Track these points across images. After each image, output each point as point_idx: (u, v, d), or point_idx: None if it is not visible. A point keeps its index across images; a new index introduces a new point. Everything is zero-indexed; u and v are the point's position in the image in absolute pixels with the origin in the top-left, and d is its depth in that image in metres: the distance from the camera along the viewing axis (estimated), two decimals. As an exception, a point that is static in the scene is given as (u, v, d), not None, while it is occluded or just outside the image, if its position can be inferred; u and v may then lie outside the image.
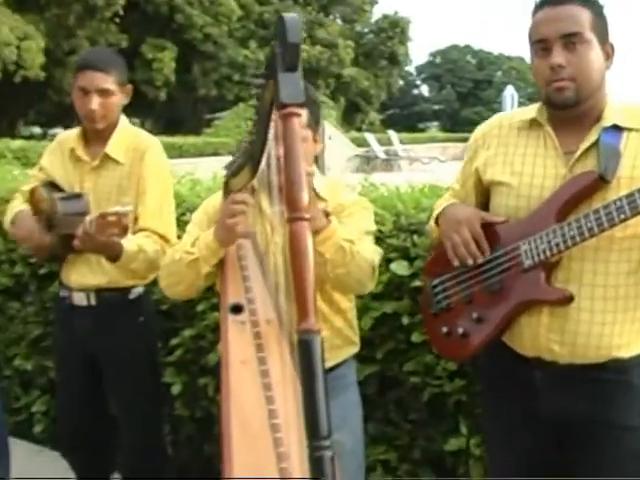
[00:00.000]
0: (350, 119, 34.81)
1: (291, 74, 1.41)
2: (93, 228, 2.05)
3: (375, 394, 2.75)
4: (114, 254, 2.21)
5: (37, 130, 35.53)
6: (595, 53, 1.70)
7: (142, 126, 37.08)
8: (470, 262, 1.77)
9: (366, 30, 34.09)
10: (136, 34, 28.06)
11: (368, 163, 21.94)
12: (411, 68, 64.45)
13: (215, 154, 19.44)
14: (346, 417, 2.11)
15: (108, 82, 2.36)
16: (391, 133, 24.27)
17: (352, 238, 1.90)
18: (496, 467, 2.01)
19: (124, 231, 2.01)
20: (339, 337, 2.10)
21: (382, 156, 22.29)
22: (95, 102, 2.35)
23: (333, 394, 2.05)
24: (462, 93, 60.89)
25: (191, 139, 22.45)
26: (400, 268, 2.54)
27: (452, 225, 1.82)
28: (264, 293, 1.89)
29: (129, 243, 2.23)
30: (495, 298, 1.77)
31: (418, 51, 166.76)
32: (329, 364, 2.05)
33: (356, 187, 3.15)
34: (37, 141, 18.10)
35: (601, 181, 1.64)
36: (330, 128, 21.43)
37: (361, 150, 22.57)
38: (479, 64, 63.28)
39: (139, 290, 2.47)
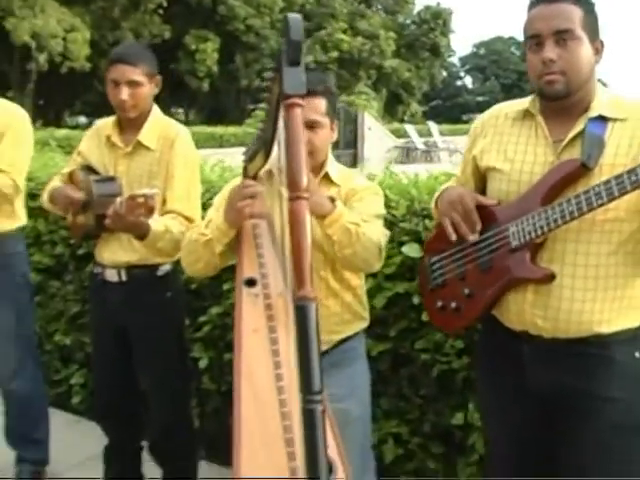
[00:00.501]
0: (392, 110, 34.79)
1: (294, 68, 1.56)
2: (123, 209, 2.23)
3: (388, 370, 2.90)
4: (142, 233, 2.39)
5: (83, 120, 36.14)
6: (585, 49, 1.80)
7: (186, 116, 37.46)
8: (471, 238, 1.90)
9: (408, 21, 33.96)
10: (179, 26, 28.40)
11: (407, 154, 21.95)
12: (455, 59, 64.05)
13: (255, 144, 19.55)
14: (354, 387, 2.26)
15: (136, 74, 2.53)
16: (431, 124, 24.23)
17: (358, 221, 2.03)
18: (491, 441, 2.15)
19: (150, 212, 2.19)
20: (349, 312, 2.24)
21: (422, 147, 22.29)
22: (125, 93, 2.53)
23: (342, 365, 2.24)
24: (506, 85, 60.28)
25: (232, 129, 22.66)
26: (412, 250, 2.68)
27: (447, 206, 1.96)
28: (276, 269, 2.04)
29: (156, 223, 2.40)
30: (485, 276, 1.90)
31: (462, 42, 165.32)
32: (340, 337, 2.24)
33: (378, 175, 3.29)
34: (82, 130, 18.57)
35: (583, 168, 1.76)
36: (370, 119, 21.51)
37: (401, 141, 22.58)
38: (523, 56, 62.36)
39: (167, 267, 2.64)
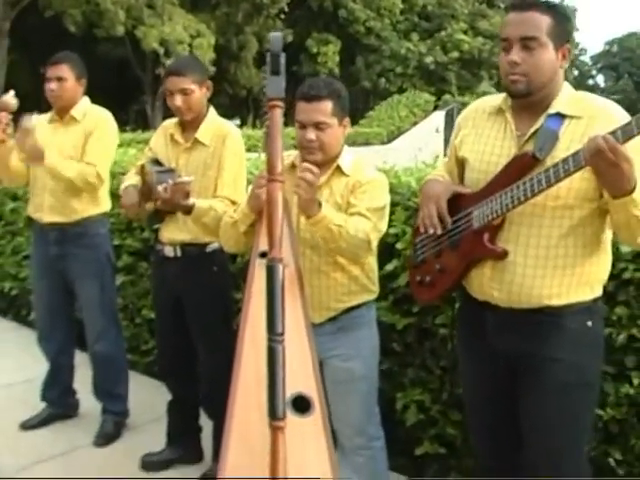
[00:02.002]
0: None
1: (275, 77, 1.96)
2: (169, 193, 2.69)
3: (415, 343, 3.22)
4: (187, 210, 2.83)
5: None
6: (548, 54, 2.03)
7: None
8: (431, 231, 2.20)
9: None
10: (302, 29, 29.23)
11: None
12: (586, 58, 61.87)
13: (366, 144, 19.93)
14: (359, 348, 2.60)
15: (186, 83, 2.98)
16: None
17: (342, 222, 2.34)
18: (467, 396, 2.45)
19: (186, 195, 2.63)
20: (356, 284, 2.58)
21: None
22: (179, 100, 2.99)
23: (349, 330, 2.61)
24: (640, 83, 57.73)
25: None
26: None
27: (425, 200, 2.25)
28: (287, 246, 2.41)
29: (202, 202, 2.85)
30: (454, 253, 2.20)
31: (593, 40, 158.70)
32: (346, 305, 2.59)
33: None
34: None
35: (534, 159, 2.01)
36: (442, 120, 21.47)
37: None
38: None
39: (214, 246, 3.06)
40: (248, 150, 3.62)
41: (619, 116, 1.98)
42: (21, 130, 3.30)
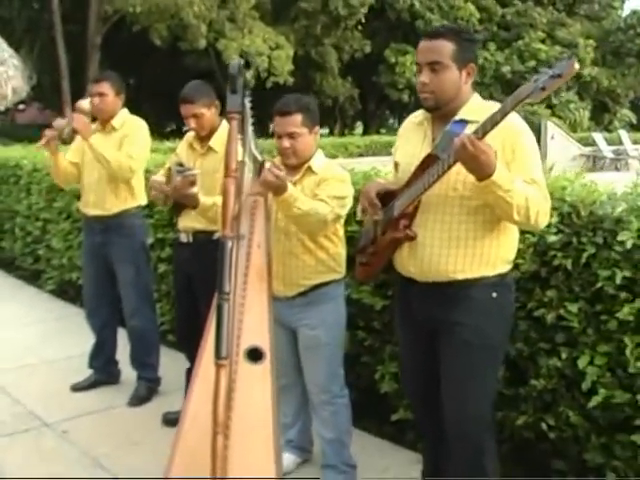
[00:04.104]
0: (598, 119, 33.76)
1: (233, 95, 2.51)
2: (179, 183, 3.27)
3: (392, 322, 3.68)
4: (194, 204, 3.38)
5: (304, 130, 38.32)
6: (451, 75, 2.47)
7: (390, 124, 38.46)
8: (368, 217, 2.70)
9: (614, 28, 32.80)
10: (380, 40, 29.67)
11: (594, 162, 21.57)
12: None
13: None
14: (324, 319, 3.11)
15: (196, 108, 3.58)
16: (622, 133, 23.52)
17: (304, 200, 2.84)
18: (400, 358, 2.93)
19: (192, 184, 3.20)
20: (322, 265, 3.09)
21: (609, 155, 21.77)
22: (192, 123, 3.61)
23: (316, 304, 3.14)
24: None
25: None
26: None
27: (361, 195, 2.73)
28: (261, 229, 2.93)
29: (207, 199, 3.42)
30: (383, 238, 2.69)
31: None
32: (313, 282, 3.11)
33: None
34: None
35: (436, 158, 2.43)
36: (553, 128, 21.41)
37: (587, 149, 22.20)
38: None
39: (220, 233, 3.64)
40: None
41: (507, 118, 2.31)
42: (78, 109, 4.00)
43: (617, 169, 20.84)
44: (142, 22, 22.55)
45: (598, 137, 22.42)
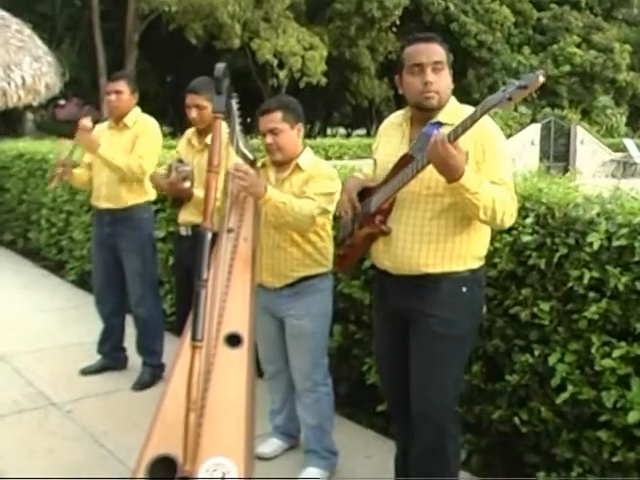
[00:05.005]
0: (635, 124, 33.41)
1: (219, 96, 2.67)
2: (174, 178, 3.45)
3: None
4: (188, 196, 3.55)
5: (342, 131, 38.56)
6: (448, 76, 2.63)
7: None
8: (343, 214, 2.84)
9: (653, 32, 32.50)
10: (414, 42, 29.65)
11: (624, 168, 21.40)
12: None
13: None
14: (310, 310, 3.26)
15: (201, 100, 3.78)
16: (651, 139, 23.43)
17: (286, 201, 3.00)
18: (375, 345, 3.07)
19: (184, 180, 3.38)
20: (309, 259, 3.25)
21: (640, 161, 21.67)
22: (194, 112, 3.80)
23: (302, 295, 3.30)
24: None
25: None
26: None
27: (341, 192, 2.89)
28: (249, 225, 3.11)
29: (201, 192, 3.59)
30: (359, 232, 2.83)
31: None
32: (300, 274, 3.27)
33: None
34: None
35: (412, 158, 2.57)
36: (583, 133, 21.32)
37: (618, 155, 22.03)
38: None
39: (218, 228, 3.83)
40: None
41: (481, 122, 2.43)
42: (82, 128, 4.21)
43: (646, 175, 20.69)
44: (178, 21, 22.91)
45: (629, 143, 22.24)
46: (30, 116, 31.54)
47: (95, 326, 5.05)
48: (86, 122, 4.27)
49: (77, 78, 24.13)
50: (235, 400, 2.62)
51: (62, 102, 33.09)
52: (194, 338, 2.47)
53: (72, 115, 36.27)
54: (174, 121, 26.80)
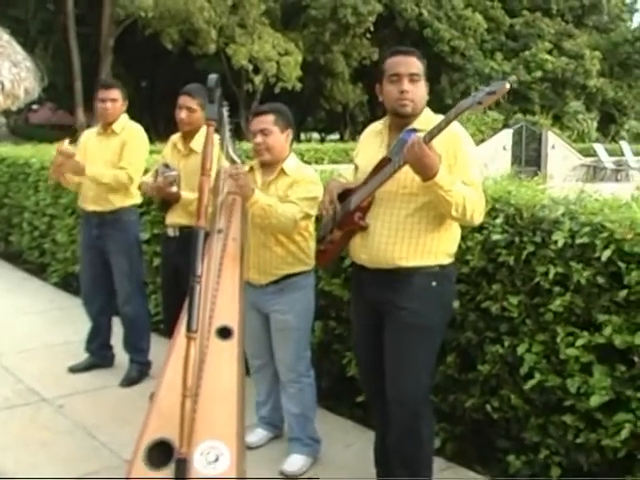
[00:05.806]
0: (604, 130, 34.04)
1: (211, 104, 2.85)
2: (161, 183, 3.62)
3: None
4: (175, 198, 3.73)
5: (315, 136, 38.77)
6: (424, 87, 2.85)
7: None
8: (325, 213, 3.04)
9: (622, 39, 33.07)
10: (388, 48, 29.77)
11: (595, 173, 21.87)
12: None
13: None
14: (293, 306, 3.45)
15: (193, 103, 3.96)
16: (623, 144, 23.77)
17: (272, 203, 3.21)
18: (353, 336, 3.27)
19: (171, 184, 3.56)
20: (292, 257, 3.44)
21: (610, 166, 22.06)
22: (183, 114, 3.97)
23: (286, 291, 3.49)
24: None
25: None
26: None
27: (325, 192, 3.09)
28: (237, 225, 3.30)
29: (188, 194, 3.77)
30: (338, 229, 3.04)
31: None
32: (284, 272, 3.46)
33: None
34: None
35: (389, 161, 2.78)
36: (554, 138, 21.76)
37: (588, 160, 22.49)
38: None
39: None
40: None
41: (452, 128, 2.68)
42: (61, 155, 4.35)
43: (617, 180, 21.12)
44: (154, 26, 23.02)
45: (599, 148, 22.69)
46: (2, 120, 31.37)
47: (80, 326, 5.20)
48: (66, 149, 4.38)
49: (51, 82, 24.11)
50: (227, 388, 2.80)
51: (35, 107, 32.97)
52: (189, 329, 2.64)
53: (45, 119, 36.21)
54: (149, 126, 26.81)
